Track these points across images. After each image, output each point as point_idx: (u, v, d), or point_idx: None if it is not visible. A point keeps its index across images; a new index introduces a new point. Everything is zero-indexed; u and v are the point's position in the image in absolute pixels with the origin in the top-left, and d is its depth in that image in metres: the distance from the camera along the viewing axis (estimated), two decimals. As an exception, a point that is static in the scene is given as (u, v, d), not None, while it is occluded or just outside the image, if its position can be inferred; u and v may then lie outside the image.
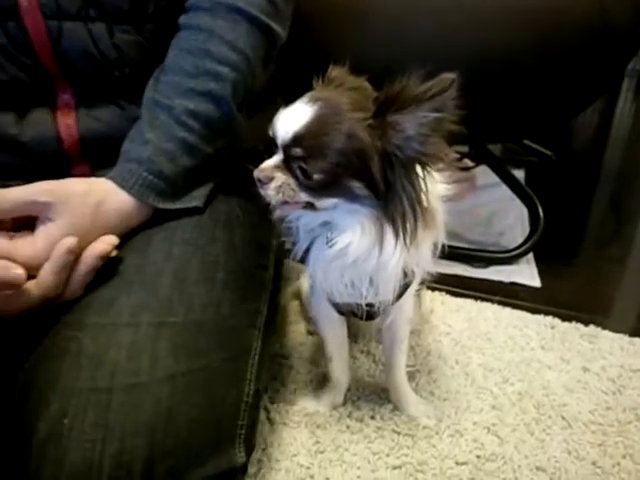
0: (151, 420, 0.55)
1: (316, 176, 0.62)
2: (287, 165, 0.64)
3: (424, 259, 0.71)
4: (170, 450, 0.55)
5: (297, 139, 0.61)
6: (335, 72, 0.69)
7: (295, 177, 0.64)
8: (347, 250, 0.67)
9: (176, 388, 0.58)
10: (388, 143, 0.60)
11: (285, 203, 0.66)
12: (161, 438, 0.55)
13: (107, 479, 0.52)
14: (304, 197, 0.65)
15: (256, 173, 0.64)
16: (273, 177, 0.64)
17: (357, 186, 0.63)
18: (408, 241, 0.65)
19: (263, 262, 0.76)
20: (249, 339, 0.73)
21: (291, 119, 0.62)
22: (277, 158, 0.64)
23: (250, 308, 0.75)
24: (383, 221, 0.65)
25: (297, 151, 0.62)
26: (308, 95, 0.64)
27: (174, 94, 0.71)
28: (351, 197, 0.64)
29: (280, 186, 0.64)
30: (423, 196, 0.64)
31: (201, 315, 0.65)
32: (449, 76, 0.57)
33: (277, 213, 0.70)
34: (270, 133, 0.65)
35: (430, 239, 0.70)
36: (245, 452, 0.64)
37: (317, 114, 0.61)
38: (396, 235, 0.64)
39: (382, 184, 0.62)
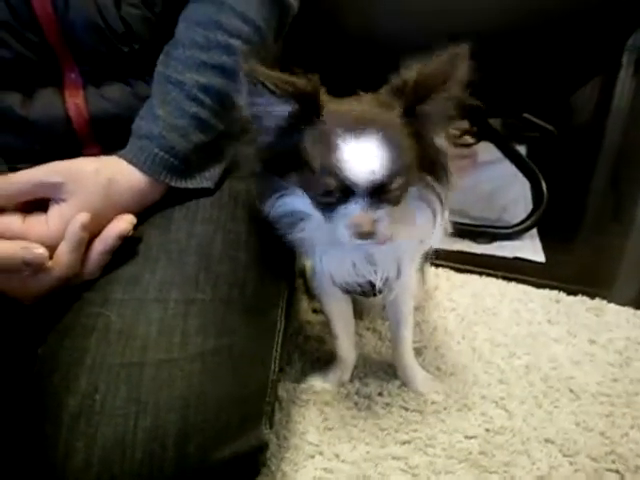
0: (183, 396, 0.56)
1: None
2: (378, 200, 0.60)
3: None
4: (201, 426, 0.55)
5: (395, 172, 0.58)
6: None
7: (389, 202, 0.60)
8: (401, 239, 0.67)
9: (206, 365, 0.58)
10: (427, 128, 0.62)
11: None
12: (193, 414, 0.55)
13: (141, 453, 0.53)
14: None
15: (357, 230, 0.60)
16: (377, 221, 0.60)
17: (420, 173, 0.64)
18: (447, 206, 0.66)
19: (282, 242, 0.76)
20: (273, 318, 0.73)
21: (367, 157, 0.58)
22: (362, 204, 0.59)
23: (273, 288, 0.75)
24: (431, 195, 0.66)
25: (399, 181, 0.59)
26: (345, 123, 0.59)
27: (185, 68, 0.69)
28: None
29: (387, 223, 0.61)
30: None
31: (227, 294, 0.65)
32: (461, 49, 0.58)
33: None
34: (331, 183, 0.59)
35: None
36: (270, 429, 0.65)
37: (383, 138, 0.58)
38: (442, 204, 0.66)
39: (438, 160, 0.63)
